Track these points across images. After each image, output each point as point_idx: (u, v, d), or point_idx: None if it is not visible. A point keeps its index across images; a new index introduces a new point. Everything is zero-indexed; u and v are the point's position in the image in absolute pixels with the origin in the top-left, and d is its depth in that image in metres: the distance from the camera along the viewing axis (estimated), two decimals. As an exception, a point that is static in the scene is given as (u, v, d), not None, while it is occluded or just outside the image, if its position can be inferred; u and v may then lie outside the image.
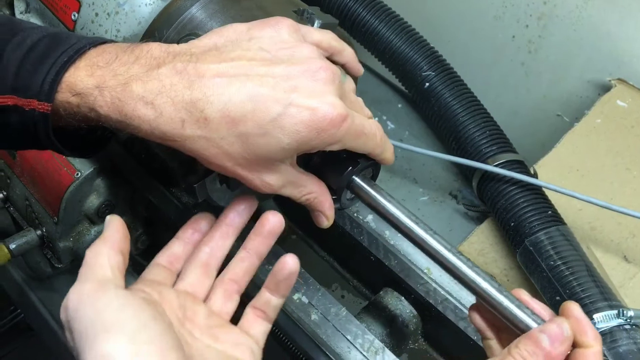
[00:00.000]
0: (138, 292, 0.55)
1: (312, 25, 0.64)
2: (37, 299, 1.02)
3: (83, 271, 0.53)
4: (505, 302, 0.56)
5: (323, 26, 0.64)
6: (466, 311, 0.77)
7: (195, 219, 0.66)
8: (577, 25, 1.25)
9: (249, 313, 0.64)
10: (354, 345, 0.75)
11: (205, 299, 0.63)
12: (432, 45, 1.20)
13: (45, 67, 0.53)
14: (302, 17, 0.65)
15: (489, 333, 0.62)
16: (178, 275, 0.63)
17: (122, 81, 0.52)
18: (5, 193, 1.01)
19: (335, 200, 0.67)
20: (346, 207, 0.70)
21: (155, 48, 0.55)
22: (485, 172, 1.08)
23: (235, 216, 0.65)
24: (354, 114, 0.57)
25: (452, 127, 1.16)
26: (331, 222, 0.67)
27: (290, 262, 0.62)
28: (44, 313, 1.01)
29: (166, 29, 0.65)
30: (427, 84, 1.18)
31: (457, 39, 1.43)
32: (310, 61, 0.56)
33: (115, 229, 0.56)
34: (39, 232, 0.96)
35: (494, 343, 0.62)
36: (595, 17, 1.21)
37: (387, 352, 0.75)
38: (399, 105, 1.33)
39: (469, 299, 0.78)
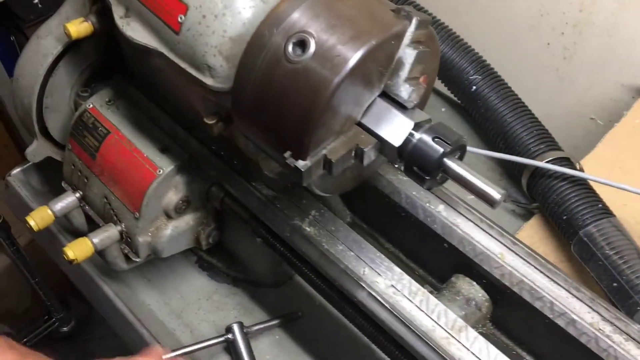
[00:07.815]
0: None
1: (410, 22, 0.69)
2: (112, 292, 1.06)
3: None
4: None
5: (420, 23, 0.69)
6: (541, 292, 0.82)
7: None
8: (613, 31, 1.30)
9: None
10: (438, 324, 0.80)
11: None
12: (472, 51, 1.26)
13: None
14: (399, 15, 0.70)
15: None
16: None
17: None
18: (81, 192, 1.06)
19: (425, 182, 0.72)
20: (434, 187, 0.75)
21: None
22: (535, 170, 1.13)
23: None
24: None
25: (500, 128, 1.21)
26: None
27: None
28: (119, 305, 1.05)
29: (275, 28, 0.70)
30: (474, 88, 1.24)
31: (492, 46, 1.48)
32: None
33: None
34: (118, 227, 1.00)
35: None
36: (630, 22, 1.27)
37: (470, 329, 0.79)
38: (443, 109, 1.38)
39: (543, 281, 0.82)
